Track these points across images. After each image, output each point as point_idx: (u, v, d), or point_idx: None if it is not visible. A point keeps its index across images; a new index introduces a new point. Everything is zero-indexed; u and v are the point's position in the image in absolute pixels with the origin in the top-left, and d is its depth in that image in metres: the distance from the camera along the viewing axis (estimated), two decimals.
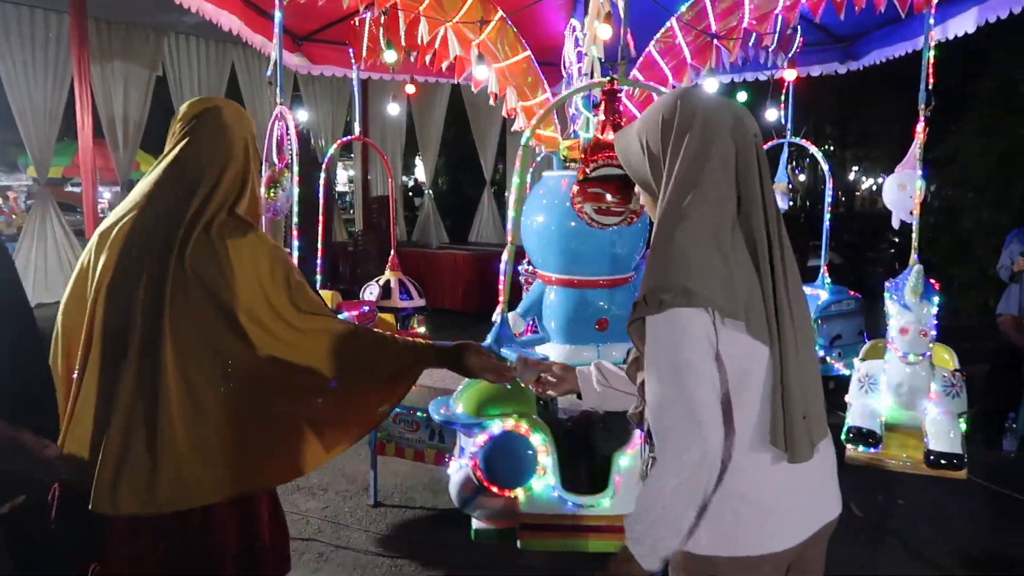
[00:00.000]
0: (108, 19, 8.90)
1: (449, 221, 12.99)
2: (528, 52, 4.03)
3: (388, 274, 5.97)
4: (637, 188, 1.64)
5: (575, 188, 3.26)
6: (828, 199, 5.68)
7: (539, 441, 2.37)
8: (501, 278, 2.70)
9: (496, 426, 2.38)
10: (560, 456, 2.48)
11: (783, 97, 5.64)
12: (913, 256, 3.49)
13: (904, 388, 3.33)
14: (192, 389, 1.70)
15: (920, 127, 3.52)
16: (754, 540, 1.46)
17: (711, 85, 4.42)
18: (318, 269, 5.74)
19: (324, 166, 6.59)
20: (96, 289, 1.78)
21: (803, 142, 5.76)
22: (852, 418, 3.41)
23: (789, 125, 5.71)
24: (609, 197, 3.13)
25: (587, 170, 3.19)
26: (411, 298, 6.06)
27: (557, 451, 2.53)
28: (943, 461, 3.11)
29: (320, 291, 5.73)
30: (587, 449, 2.47)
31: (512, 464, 2.36)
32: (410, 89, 6.47)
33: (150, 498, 1.66)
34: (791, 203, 6.08)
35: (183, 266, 1.72)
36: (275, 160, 4.27)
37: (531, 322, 3.95)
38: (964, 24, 4.79)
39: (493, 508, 2.58)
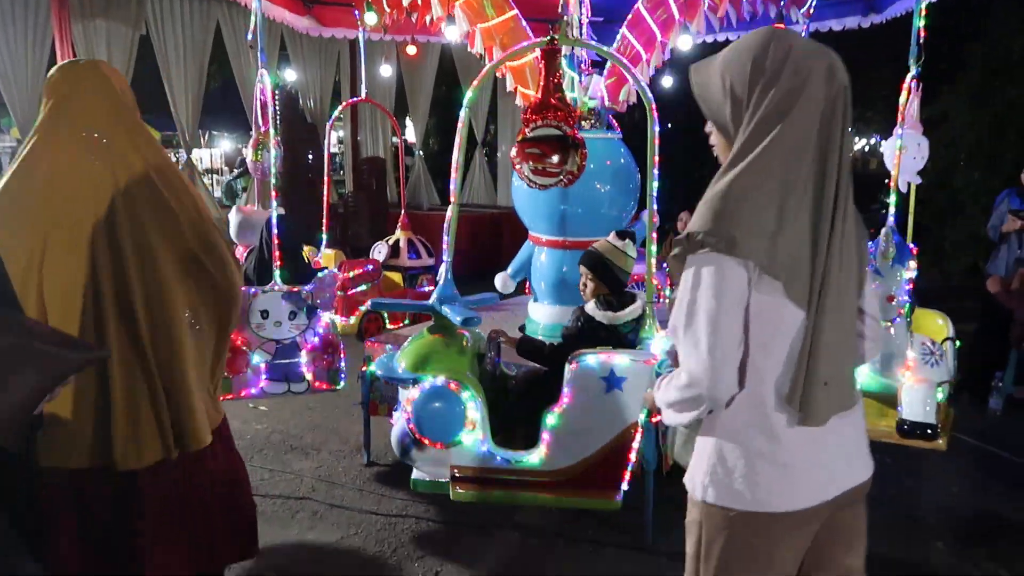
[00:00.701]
0: None
1: (440, 183, 12.90)
2: (515, 11, 3.96)
3: (398, 233, 5.96)
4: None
5: (514, 148, 3.27)
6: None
7: (468, 397, 2.44)
8: (445, 238, 2.71)
9: (428, 382, 2.46)
10: (500, 413, 2.54)
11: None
12: (890, 220, 3.39)
13: (876, 355, 3.33)
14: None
15: (913, 85, 3.46)
16: (769, 496, 1.46)
17: (685, 43, 4.33)
18: (324, 228, 5.73)
19: (329, 126, 6.54)
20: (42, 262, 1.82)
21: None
22: None
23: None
24: (546, 158, 3.14)
25: (527, 130, 3.18)
26: (419, 257, 6.05)
27: (494, 407, 2.61)
28: (916, 431, 3.07)
29: (326, 250, 5.73)
30: (528, 407, 2.53)
31: (441, 418, 2.45)
32: (411, 50, 6.37)
33: (167, 443, 1.87)
34: None
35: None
36: (259, 123, 4.27)
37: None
38: None
39: (428, 459, 2.66)
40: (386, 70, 9.54)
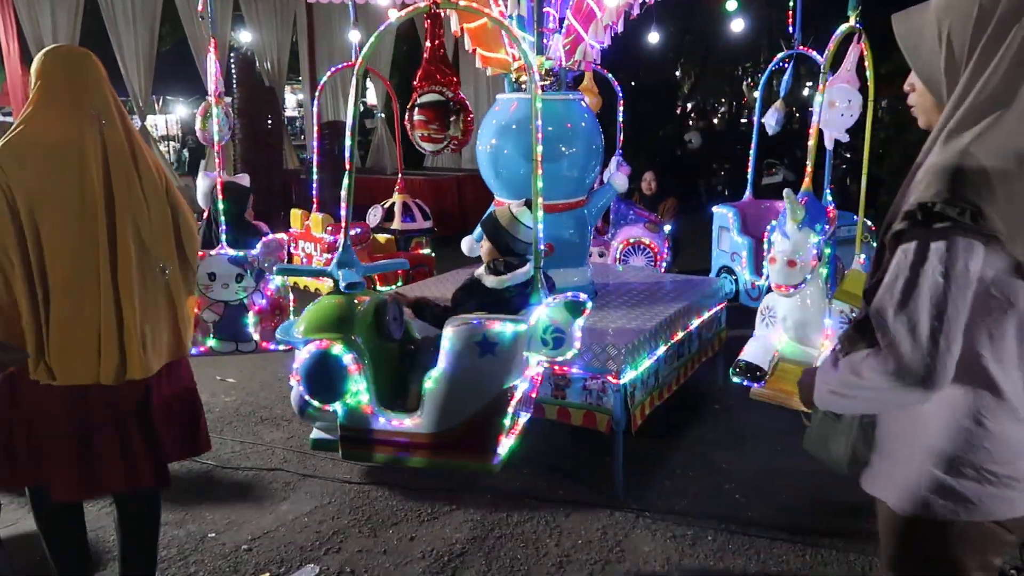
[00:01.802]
0: None
1: (404, 146, 12.74)
2: None
3: (395, 197, 5.90)
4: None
5: (408, 116, 3.30)
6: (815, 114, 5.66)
7: (351, 360, 2.49)
8: (343, 204, 2.76)
9: (313, 344, 2.51)
10: (401, 375, 2.62)
11: (791, 2, 5.15)
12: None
13: (789, 322, 3.02)
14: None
15: (855, 38, 3.26)
16: (996, 504, 1.34)
17: None
18: (314, 192, 5.68)
19: (319, 88, 6.39)
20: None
21: (811, 52, 5.27)
22: (746, 351, 3.13)
23: (797, 35, 5.19)
24: (430, 124, 3.23)
25: (416, 97, 3.20)
26: (414, 220, 6.03)
27: (396, 370, 2.70)
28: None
29: (315, 214, 5.70)
30: (424, 369, 2.62)
31: (325, 379, 2.50)
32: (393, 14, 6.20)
33: (164, 352, 2.33)
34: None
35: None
36: (209, 91, 4.27)
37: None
38: None
39: (321, 419, 2.74)
40: (355, 35, 9.34)
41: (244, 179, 4.63)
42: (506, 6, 3.85)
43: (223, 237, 4.06)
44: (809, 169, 3.01)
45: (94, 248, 2.17)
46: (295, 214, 5.82)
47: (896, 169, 10.38)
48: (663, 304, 3.91)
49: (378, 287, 5.47)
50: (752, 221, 5.95)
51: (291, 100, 20.61)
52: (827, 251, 2.91)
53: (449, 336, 2.47)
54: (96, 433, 2.25)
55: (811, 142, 3.00)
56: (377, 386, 2.60)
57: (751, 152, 6.18)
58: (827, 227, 2.90)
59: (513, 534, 3.10)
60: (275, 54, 11.33)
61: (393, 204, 5.99)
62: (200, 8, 4.10)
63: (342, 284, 2.66)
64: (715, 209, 6.23)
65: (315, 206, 5.70)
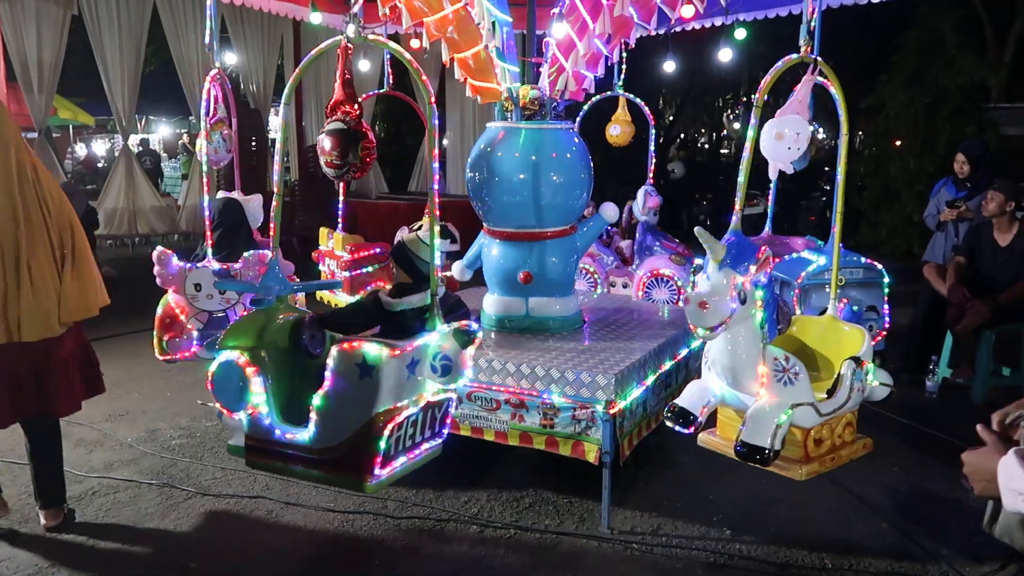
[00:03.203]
0: None
1: (388, 171, 12.77)
2: (458, 5, 3.85)
3: (425, 219, 5.88)
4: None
5: (317, 143, 3.46)
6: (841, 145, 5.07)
7: (253, 372, 2.59)
8: (271, 225, 2.86)
9: (223, 355, 2.64)
10: (310, 390, 2.65)
11: (810, 26, 4.94)
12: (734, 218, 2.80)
13: (718, 367, 2.79)
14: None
15: (810, 68, 3.04)
16: None
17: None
18: (340, 216, 5.67)
19: (362, 111, 6.32)
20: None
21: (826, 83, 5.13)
22: (683, 394, 2.92)
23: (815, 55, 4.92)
24: (332, 151, 3.40)
25: (325, 125, 3.42)
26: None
27: (300, 384, 2.75)
28: (753, 455, 2.62)
29: (338, 233, 5.70)
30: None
31: (227, 389, 2.62)
32: (319, 21, 6.18)
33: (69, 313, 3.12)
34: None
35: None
36: (203, 116, 4.37)
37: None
38: None
39: (233, 426, 2.83)
40: (365, 64, 9.44)
41: (256, 199, 4.74)
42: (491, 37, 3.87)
43: (208, 251, 4.22)
44: (738, 207, 2.76)
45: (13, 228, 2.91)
46: (323, 233, 5.89)
47: (876, 202, 10.53)
48: (652, 333, 3.91)
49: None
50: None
51: (274, 122, 20.56)
52: (759, 293, 2.64)
53: (333, 355, 2.52)
54: (18, 375, 3.06)
55: (741, 178, 2.76)
56: (284, 399, 2.68)
57: (772, 186, 5.59)
58: (754, 267, 2.63)
59: (499, 566, 3.05)
60: (261, 76, 11.33)
61: (420, 226, 5.99)
62: (207, 42, 4.25)
63: (247, 297, 2.88)
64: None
65: (340, 226, 5.71)
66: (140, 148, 13.17)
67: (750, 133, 2.78)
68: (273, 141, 18.29)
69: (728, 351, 2.71)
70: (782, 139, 3.10)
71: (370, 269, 5.64)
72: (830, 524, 3.40)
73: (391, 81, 5.89)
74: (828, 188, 10.69)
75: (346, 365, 2.49)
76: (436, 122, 2.77)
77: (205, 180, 4.40)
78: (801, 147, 3.10)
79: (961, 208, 5.57)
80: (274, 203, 2.86)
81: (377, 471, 2.50)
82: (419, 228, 5.59)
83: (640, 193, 5.96)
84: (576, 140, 4.12)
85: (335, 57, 3.11)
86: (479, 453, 3.77)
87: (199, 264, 4.16)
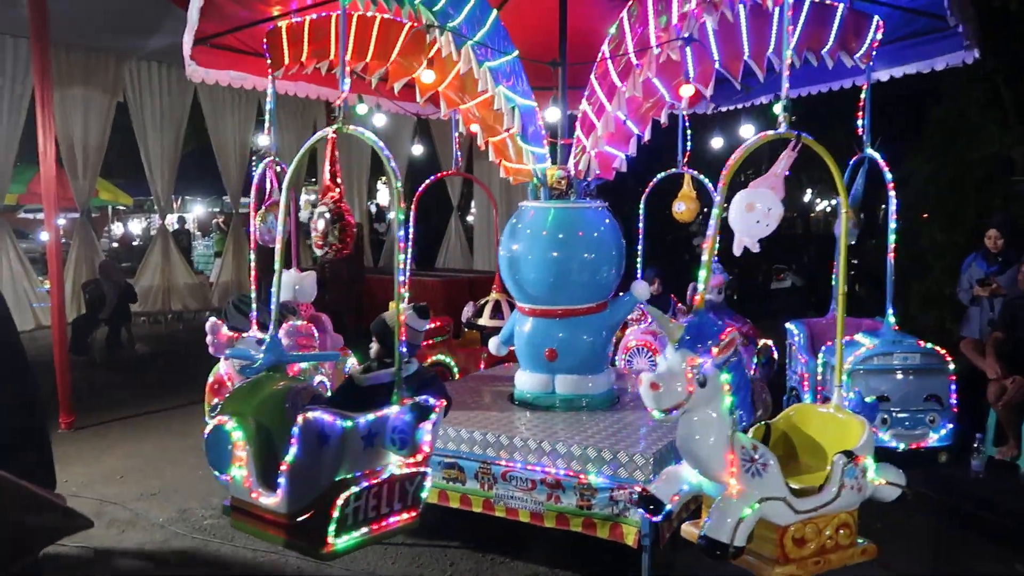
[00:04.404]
0: (68, 44, 8.75)
1: (416, 248, 12.94)
2: (485, 95, 3.94)
3: (493, 295, 6.00)
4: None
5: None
6: (891, 222, 4.84)
7: (239, 436, 2.71)
8: (273, 297, 3.04)
9: (215, 420, 2.79)
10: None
11: (863, 102, 4.67)
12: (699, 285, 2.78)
13: (685, 453, 2.62)
14: None
15: (791, 144, 2.88)
16: None
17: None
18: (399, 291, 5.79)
19: (416, 196, 6.50)
20: None
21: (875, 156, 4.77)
22: (657, 480, 2.77)
23: (867, 136, 4.67)
24: (316, 232, 3.95)
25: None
26: (503, 318, 6.09)
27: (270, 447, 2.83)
28: (714, 549, 2.46)
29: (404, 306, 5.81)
30: None
31: (214, 451, 2.76)
32: (365, 111, 6.31)
33: None
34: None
35: None
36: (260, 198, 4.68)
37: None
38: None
39: (228, 486, 2.90)
40: (418, 149, 9.93)
41: (311, 275, 5.06)
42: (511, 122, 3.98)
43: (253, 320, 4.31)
44: (701, 287, 2.67)
45: None
46: (391, 306, 6.04)
47: (903, 273, 10.47)
48: None
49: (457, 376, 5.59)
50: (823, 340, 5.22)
51: (304, 200, 21.06)
52: (725, 376, 2.49)
53: (298, 423, 2.60)
54: None
55: (704, 256, 2.66)
56: (267, 463, 2.75)
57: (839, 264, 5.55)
58: (716, 349, 2.49)
59: None
60: (294, 157, 11.67)
61: (487, 302, 6.08)
62: (267, 131, 4.54)
63: (240, 365, 3.06)
64: (788, 326, 5.77)
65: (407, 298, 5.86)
66: (177, 227, 13.47)
67: (714, 211, 2.68)
68: (299, 221, 18.75)
69: (693, 437, 2.52)
70: (752, 211, 2.87)
71: (432, 340, 5.80)
72: None
73: (459, 163, 6.07)
74: (856, 262, 10.65)
75: (306, 433, 2.58)
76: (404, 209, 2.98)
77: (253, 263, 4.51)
78: (771, 224, 2.88)
79: (993, 286, 5.53)
80: (275, 279, 3.00)
81: (331, 539, 2.56)
82: (484, 304, 5.76)
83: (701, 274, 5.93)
84: (607, 219, 4.18)
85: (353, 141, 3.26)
86: (506, 533, 3.70)
87: (244, 335, 4.19)
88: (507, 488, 3.45)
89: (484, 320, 5.80)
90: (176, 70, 10.08)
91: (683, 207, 6.52)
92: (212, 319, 4.20)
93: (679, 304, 6.14)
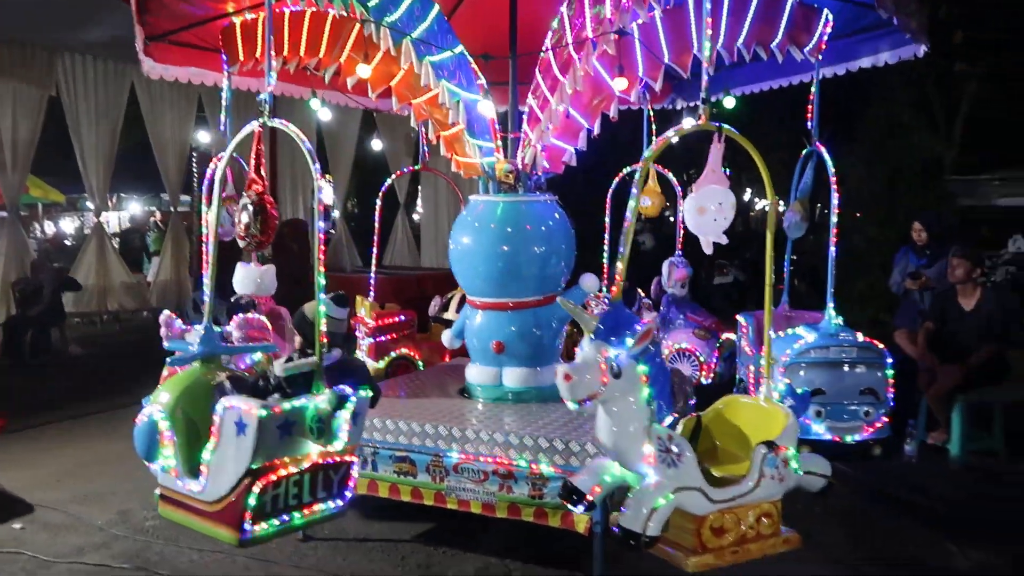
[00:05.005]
0: None
1: (361, 246, 12.82)
2: (434, 92, 3.93)
3: (458, 291, 5.95)
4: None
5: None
6: (833, 216, 4.82)
7: (165, 427, 2.77)
8: (205, 291, 3.06)
9: (144, 410, 2.83)
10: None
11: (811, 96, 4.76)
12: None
13: (603, 444, 2.63)
14: None
15: (715, 136, 2.86)
16: None
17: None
18: (371, 287, 5.72)
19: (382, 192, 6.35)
20: None
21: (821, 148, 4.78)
22: (580, 472, 2.78)
23: (815, 130, 4.76)
24: (240, 224, 4.03)
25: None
26: None
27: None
28: (628, 539, 2.45)
29: (365, 301, 5.76)
30: None
31: (142, 441, 2.81)
32: (320, 108, 6.16)
33: None
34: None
35: None
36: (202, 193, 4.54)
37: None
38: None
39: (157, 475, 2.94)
40: (377, 145, 9.81)
41: (271, 270, 4.92)
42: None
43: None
44: (619, 278, 2.62)
45: None
46: (359, 300, 5.95)
47: (840, 271, 10.80)
48: None
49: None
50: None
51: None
52: (641, 368, 2.49)
53: (218, 411, 2.63)
54: None
55: (622, 249, 2.62)
56: (193, 453, 2.78)
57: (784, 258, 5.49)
58: (631, 340, 2.47)
59: None
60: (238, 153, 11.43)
61: (452, 296, 6.06)
62: (221, 127, 4.48)
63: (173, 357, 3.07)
64: (737, 318, 5.69)
65: (372, 295, 5.81)
66: (131, 225, 12.94)
67: (631, 204, 2.65)
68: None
69: (611, 428, 2.52)
70: (705, 213, 2.91)
71: (397, 335, 5.79)
72: None
73: (427, 158, 6.00)
74: (795, 257, 10.92)
75: (226, 422, 2.61)
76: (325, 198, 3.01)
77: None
78: (728, 216, 2.92)
79: (922, 279, 5.74)
80: (205, 270, 3.04)
81: (247, 526, 2.58)
82: (451, 298, 5.75)
83: (665, 265, 5.96)
84: (556, 212, 4.21)
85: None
86: (459, 525, 3.70)
87: (195, 326, 4.14)
88: (459, 480, 3.45)
89: (450, 314, 5.80)
90: (112, 64, 9.78)
91: (647, 201, 6.62)
92: (166, 312, 4.09)
93: (645, 299, 6.22)
